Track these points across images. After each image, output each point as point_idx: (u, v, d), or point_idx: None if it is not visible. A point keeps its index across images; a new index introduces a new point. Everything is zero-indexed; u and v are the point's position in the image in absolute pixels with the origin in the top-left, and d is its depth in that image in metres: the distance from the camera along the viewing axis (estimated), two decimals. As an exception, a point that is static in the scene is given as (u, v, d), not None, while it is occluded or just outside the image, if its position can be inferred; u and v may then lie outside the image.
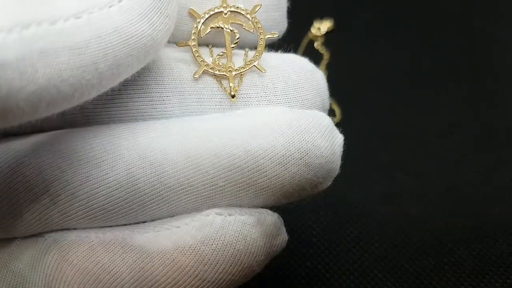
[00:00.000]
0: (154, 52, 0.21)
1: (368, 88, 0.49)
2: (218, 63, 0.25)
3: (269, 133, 0.23)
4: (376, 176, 0.40)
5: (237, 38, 0.26)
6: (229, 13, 0.26)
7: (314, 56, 0.44)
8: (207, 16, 0.26)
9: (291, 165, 0.22)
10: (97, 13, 0.19)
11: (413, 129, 0.45)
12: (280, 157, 0.22)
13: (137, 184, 0.22)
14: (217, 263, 0.22)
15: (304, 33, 0.44)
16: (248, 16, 0.26)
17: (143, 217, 0.23)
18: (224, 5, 0.26)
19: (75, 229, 0.24)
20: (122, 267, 0.23)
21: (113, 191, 0.22)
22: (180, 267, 0.22)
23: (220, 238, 0.22)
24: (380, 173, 0.41)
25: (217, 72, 0.25)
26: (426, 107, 0.47)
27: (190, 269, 0.22)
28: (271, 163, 0.22)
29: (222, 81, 0.25)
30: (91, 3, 0.19)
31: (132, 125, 0.24)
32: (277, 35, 0.26)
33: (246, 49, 0.26)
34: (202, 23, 0.26)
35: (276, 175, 0.22)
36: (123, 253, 0.23)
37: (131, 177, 0.22)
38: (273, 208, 0.24)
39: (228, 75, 0.24)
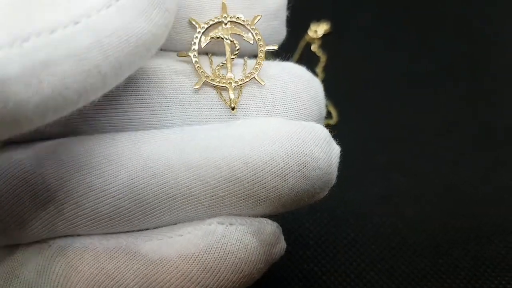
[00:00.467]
0: (156, 47, 0.21)
1: (365, 89, 0.49)
2: (218, 74, 0.25)
3: (269, 145, 0.23)
4: (373, 177, 0.40)
5: (237, 49, 0.26)
6: (229, 23, 0.26)
7: (311, 59, 0.45)
8: (207, 26, 0.26)
9: (290, 177, 0.23)
10: (95, 16, 0.19)
11: (410, 130, 0.44)
12: (279, 169, 0.23)
13: (139, 194, 0.23)
14: (219, 271, 0.23)
15: (301, 36, 0.44)
16: (248, 27, 0.26)
17: (146, 224, 0.24)
18: (225, 15, 0.26)
19: (78, 235, 0.24)
20: (127, 274, 0.23)
21: (116, 200, 0.23)
22: (183, 274, 0.23)
23: (222, 247, 0.23)
24: (377, 174, 0.40)
25: (217, 84, 0.25)
26: (424, 107, 0.46)
27: (193, 277, 0.23)
28: (270, 175, 0.23)
29: (222, 92, 0.25)
30: (88, 4, 0.19)
31: (133, 134, 0.24)
32: (277, 47, 0.26)
33: (245, 58, 0.26)
34: (202, 33, 0.26)
35: (275, 187, 0.23)
36: (127, 260, 0.23)
37: (134, 187, 0.23)
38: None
39: (228, 87, 0.25)
